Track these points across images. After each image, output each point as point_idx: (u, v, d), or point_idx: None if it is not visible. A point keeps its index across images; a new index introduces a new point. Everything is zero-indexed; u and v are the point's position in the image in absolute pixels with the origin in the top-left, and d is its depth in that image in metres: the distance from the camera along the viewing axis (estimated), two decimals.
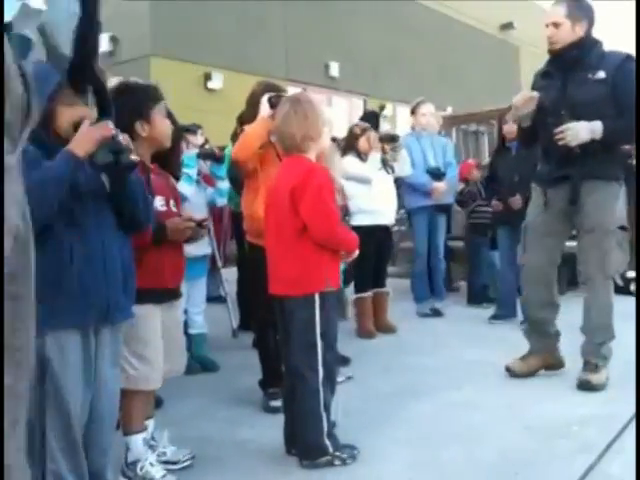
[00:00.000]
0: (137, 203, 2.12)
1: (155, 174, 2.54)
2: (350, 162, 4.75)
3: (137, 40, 10.31)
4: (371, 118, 5.55)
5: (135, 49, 10.25)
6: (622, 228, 3.44)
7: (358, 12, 13.13)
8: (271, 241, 2.70)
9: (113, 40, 10.58)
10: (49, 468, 1.92)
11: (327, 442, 2.57)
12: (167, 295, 2.54)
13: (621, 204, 3.44)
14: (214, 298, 5.36)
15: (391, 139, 5.04)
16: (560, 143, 3.24)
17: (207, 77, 10.81)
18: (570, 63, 3.39)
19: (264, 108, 3.13)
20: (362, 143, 4.81)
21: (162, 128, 2.49)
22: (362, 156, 4.83)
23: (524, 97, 3.42)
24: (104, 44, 10.51)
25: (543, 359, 3.62)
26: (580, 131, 3.23)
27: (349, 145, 4.88)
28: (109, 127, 1.92)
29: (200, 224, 2.64)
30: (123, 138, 1.94)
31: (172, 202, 2.62)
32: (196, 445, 2.73)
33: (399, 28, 14.04)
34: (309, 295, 2.56)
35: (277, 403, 3.09)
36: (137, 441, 2.46)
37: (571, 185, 3.37)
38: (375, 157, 4.88)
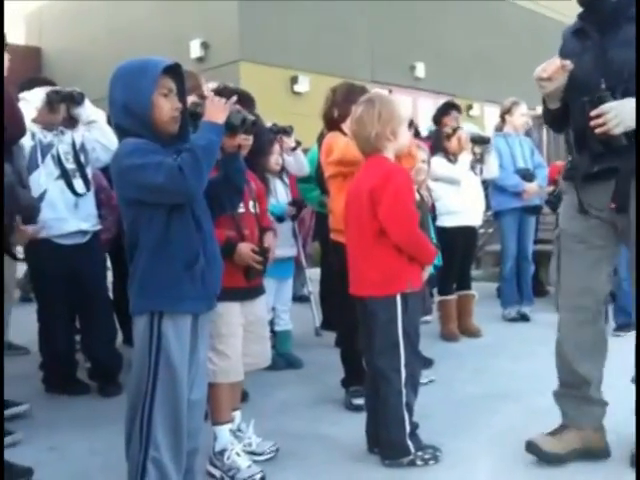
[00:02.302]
0: (240, 188, 2.27)
1: None
2: (439, 163, 4.70)
3: (227, 46, 10.62)
4: (448, 108, 5.39)
5: (225, 54, 10.56)
6: None
7: (443, 12, 13.00)
8: (352, 241, 2.72)
9: (204, 46, 10.94)
10: (151, 455, 2.02)
11: (409, 442, 2.57)
12: (247, 293, 2.62)
13: None
14: (298, 297, 5.45)
15: (482, 141, 4.95)
16: (597, 131, 2.33)
17: (294, 80, 11.00)
18: (609, 14, 2.46)
19: None
20: (453, 143, 4.73)
21: None
22: (451, 157, 4.78)
23: (551, 67, 2.46)
24: (195, 50, 10.92)
25: (582, 438, 2.57)
26: (626, 113, 2.31)
27: (438, 145, 4.84)
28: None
29: (265, 256, 2.62)
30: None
31: (251, 203, 2.68)
32: (280, 438, 2.79)
33: (486, 27, 13.79)
34: (391, 296, 2.57)
35: (359, 401, 3.12)
36: (224, 431, 2.55)
37: (616, 183, 2.43)
38: (465, 158, 4.82)
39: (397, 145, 2.65)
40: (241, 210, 2.60)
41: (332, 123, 3.35)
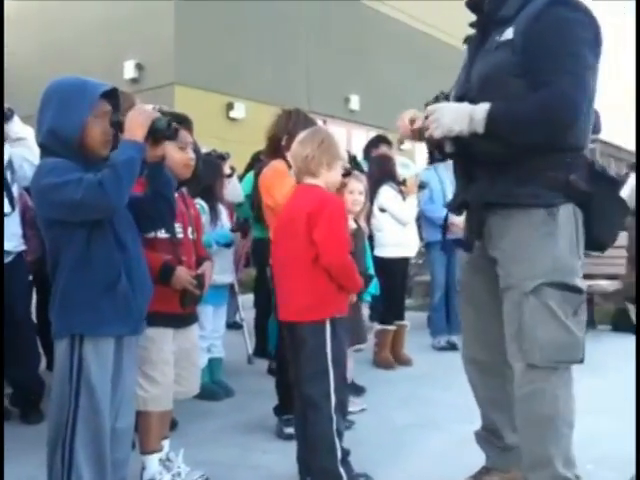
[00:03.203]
0: (169, 199, 2.21)
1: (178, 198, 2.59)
2: (389, 196, 4.78)
3: (162, 68, 10.53)
4: (378, 141, 5.52)
5: (160, 77, 10.45)
6: (569, 288, 2.12)
7: (377, 44, 13.36)
8: (280, 266, 2.67)
9: (138, 67, 10.82)
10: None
11: (341, 469, 2.55)
12: (182, 319, 2.58)
13: (562, 245, 2.12)
14: (230, 324, 5.38)
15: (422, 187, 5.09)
16: (426, 134, 2.20)
17: (229, 106, 10.99)
18: (486, 19, 2.24)
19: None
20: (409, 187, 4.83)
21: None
22: (402, 189, 4.84)
23: (401, 130, 2.38)
24: (129, 71, 10.78)
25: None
26: (446, 116, 2.12)
27: (386, 173, 4.89)
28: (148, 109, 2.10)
29: (201, 282, 2.59)
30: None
31: (190, 230, 2.66)
32: (210, 468, 2.73)
33: (415, 60, 14.22)
34: (321, 321, 2.54)
35: (291, 430, 3.08)
36: (153, 461, 2.49)
37: (469, 217, 2.31)
38: (413, 198, 4.93)
39: (329, 178, 2.63)
40: (180, 236, 2.58)
41: (277, 148, 3.32)
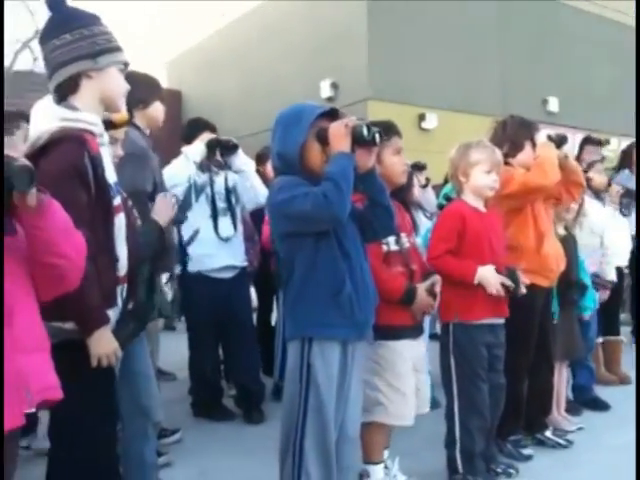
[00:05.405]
0: (387, 206, 2.25)
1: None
2: (593, 207, 4.34)
3: (355, 85, 10.89)
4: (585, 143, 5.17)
5: (353, 94, 10.81)
6: None
7: (576, 44, 12.61)
8: None
9: (333, 86, 11.29)
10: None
11: None
12: (418, 330, 2.65)
13: None
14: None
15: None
16: None
17: (421, 117, 11.05)
18: None
19: None
20: (596, 179, 4.38)
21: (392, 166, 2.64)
22: (600, 196, 4.49)
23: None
24: (325, 90, 11.29)
25: None
26: None
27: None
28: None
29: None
30: None
31: (412, 238, 2.72)
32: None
33: (614, 55, 13.18)
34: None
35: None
36: (378, 470, 2.58)
37: None
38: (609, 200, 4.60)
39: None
40: (406, 245, 2.63)
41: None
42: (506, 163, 3.15)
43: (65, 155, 1.85)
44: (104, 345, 1.87)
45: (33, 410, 1.51)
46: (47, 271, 1.56)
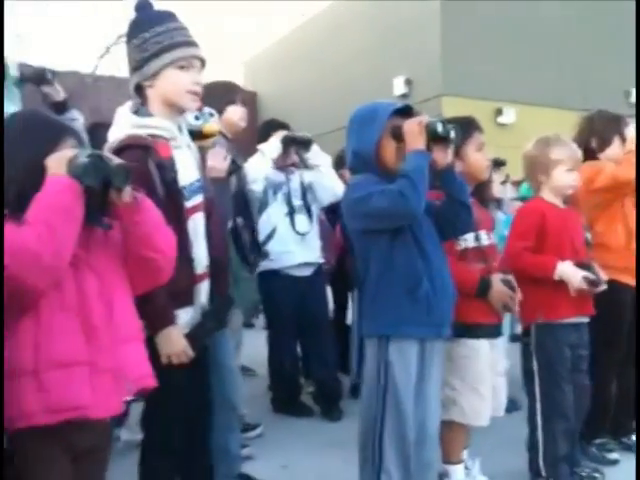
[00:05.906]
0: (466, 203, 2.23)
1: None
2: None
3: (429, 81, 10.78)
4: None
5: (427, 90, 10.71)
6: None
7: None
8: None
9: (407, 82, 11.22)
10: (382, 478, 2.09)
11: None
12: (497, 330, 2.61)
13: None
14: None
15: None
16: None
17: (498, 112, 10.84)
18: None
19: None
20: None
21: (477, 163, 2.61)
22: None
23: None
24: (399, 87, 11.22)
25: None
26: None
27: None
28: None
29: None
30: None
31: (492, 236, 2.68)
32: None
33: None
34: None
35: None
36: (459, 471, 2.56)
37: None
38: None
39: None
40: (485, 242, 2.59)
41: (588, 152, 3.13)
42: (594, 158, 3.08)
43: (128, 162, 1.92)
44: (172, 344, 1.92)
45: (131, 398, 1.59)
46: (143, 265, 1.64)
